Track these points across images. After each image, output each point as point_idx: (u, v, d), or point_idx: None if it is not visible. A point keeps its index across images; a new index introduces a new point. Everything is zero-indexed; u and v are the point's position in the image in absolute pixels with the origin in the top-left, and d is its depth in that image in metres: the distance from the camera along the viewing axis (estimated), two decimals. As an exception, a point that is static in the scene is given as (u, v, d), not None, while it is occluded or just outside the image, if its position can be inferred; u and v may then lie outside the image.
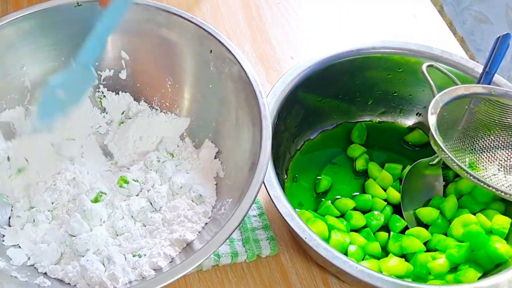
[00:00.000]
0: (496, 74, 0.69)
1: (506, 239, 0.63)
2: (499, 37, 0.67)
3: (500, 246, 0.60)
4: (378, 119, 0.78)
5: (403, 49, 0.74)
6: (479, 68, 0.71)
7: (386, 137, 0.77)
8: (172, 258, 0.58)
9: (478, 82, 0.68)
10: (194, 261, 0.52)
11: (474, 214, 0.66)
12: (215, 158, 0.68)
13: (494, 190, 0.60)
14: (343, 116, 0.77)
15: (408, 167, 0.71)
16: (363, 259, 0.64)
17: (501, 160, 0.66)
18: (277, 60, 0.87)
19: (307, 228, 0.58)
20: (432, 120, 0.63)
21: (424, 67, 0.67)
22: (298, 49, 0.88)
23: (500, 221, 0.64)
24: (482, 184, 0.60)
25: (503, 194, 0.60)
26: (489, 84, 0.68)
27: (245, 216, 0.54)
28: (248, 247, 0.65)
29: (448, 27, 0.92)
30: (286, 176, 0.72)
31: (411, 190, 0.70)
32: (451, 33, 0.91)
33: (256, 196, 0.55)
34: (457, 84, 0.67)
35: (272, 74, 0.84)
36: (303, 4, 0.95)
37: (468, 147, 0.66)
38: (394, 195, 0.69)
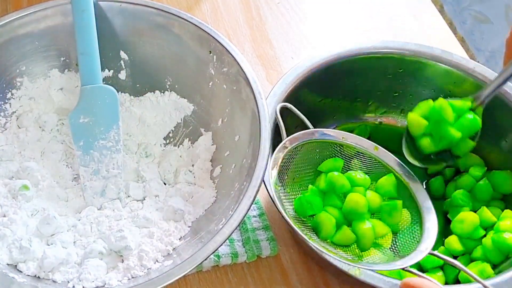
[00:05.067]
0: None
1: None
2: None
3: (509, 236, 0.60)
4: (379, 120, 0.78)
5: (403, 49, 0.74)
6: (479, 68, 0.71)
7: (386, 138, 0.77)
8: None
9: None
10: (193, 262, 0.52)
11: (475, 212, 0.66)
12: (213, 157, 0.68)
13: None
14: (344, 117, 0.77)
15: None
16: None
17: None
18: (277, 60, 0.87)
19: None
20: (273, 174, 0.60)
21: (278, 108, 0.65)
22: (298, 49, 0.88)
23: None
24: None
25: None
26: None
27: (244, 216, 0.54)
28: (248, 248, 0.65)
29: (448, 27, 0.92)
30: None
31: None
32: (451, 33, 0.91)
33: (255, 196, 0.55)
34: (309, 128, 0.65)
35: (272, 74, 0.84)
36: (303, 4, 0.95)
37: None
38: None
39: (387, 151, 0.65)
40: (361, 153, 0.65)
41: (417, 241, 0.58)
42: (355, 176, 0.63)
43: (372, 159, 0.65)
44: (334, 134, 0.65)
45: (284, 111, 0.67)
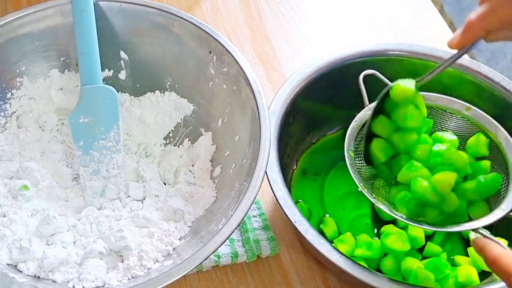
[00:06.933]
0: (496, 72, 0.70)
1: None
2: None
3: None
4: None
5: (403, 51, 0.73)
6: (478, 68, 0.71)
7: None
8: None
9: None
10: (193, 262, 0.52)
11: None
12: (213, 157, 0.68)
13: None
14: (345, 119, 0.77)
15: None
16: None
17: None
18: (277, 60, 0.87)
19: (313, 230, 0.58)
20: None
21: (361, 76, 0.66)
22: (298, 49, 0.88)
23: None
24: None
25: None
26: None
27: (244, 216, 0.54)
28: (248, 248, 0.65)
29: (448, 27, 0.92)
30: (295, 167, 0.71)
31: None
32: (451, 33, 0.91)
33: (255, 196, 0.55)
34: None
35: (272, 74, 0.84)
36: (303, 4, 0.95)
37: None
38: None
39: (480, 111, 0.64)
40: (452, 114, 0.65)
41: (500, 201, 0.58)
42: (442, 136, 0.63)
43: (464, 119, 0.64)
44: (423, 95, 0.63)
45: (289, 118, 0.67)
